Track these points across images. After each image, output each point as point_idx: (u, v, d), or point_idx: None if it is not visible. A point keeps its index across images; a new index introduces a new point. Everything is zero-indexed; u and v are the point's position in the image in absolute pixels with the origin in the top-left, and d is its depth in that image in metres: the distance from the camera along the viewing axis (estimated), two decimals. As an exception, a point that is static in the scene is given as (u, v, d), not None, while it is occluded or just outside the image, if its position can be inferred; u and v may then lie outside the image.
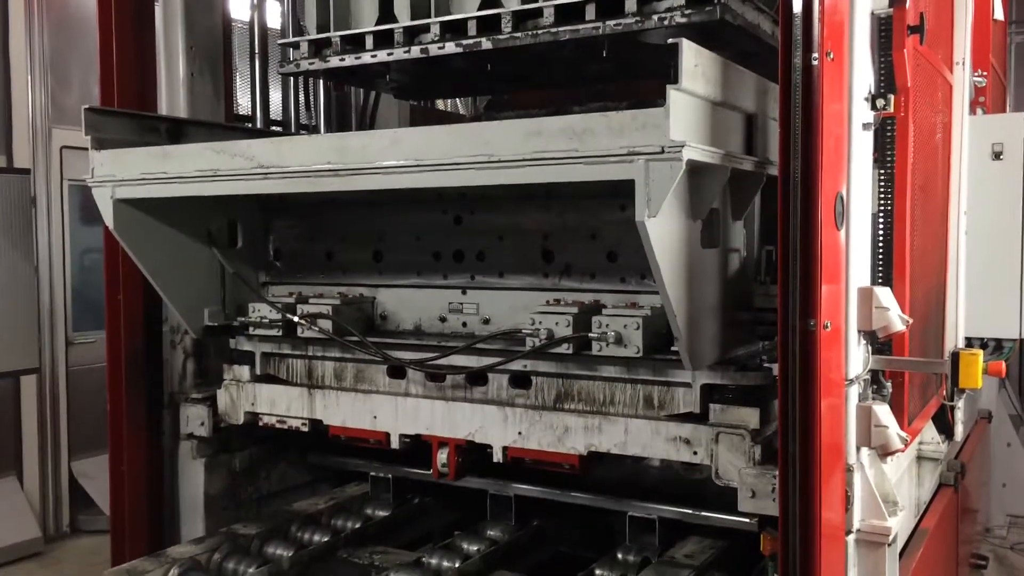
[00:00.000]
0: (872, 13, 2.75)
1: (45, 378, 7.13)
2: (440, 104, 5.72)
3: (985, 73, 4.23)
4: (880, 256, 2.95)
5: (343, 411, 3.64)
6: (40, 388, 7.13)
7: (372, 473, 4.16)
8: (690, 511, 3.46)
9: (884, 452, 2.76)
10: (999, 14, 5.02)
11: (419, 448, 3.54)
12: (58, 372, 7.24)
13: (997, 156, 3.91)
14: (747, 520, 3.10)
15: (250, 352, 3.86)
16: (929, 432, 3.68)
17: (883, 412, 2.71)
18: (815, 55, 2.37)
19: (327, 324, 3.57)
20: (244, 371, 3.86)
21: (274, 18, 4.90)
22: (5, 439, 6.94)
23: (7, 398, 6.82)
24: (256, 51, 4.71)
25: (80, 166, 3.77)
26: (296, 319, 3.61)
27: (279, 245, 4.10)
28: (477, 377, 3.38)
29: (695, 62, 2.49)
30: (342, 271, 3.93)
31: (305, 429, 3.75)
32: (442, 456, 3.42)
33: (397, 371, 3.56)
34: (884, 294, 2.69)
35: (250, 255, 4.02)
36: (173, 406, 4.03)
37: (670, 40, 2.45)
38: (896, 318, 2.67)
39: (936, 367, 3.15)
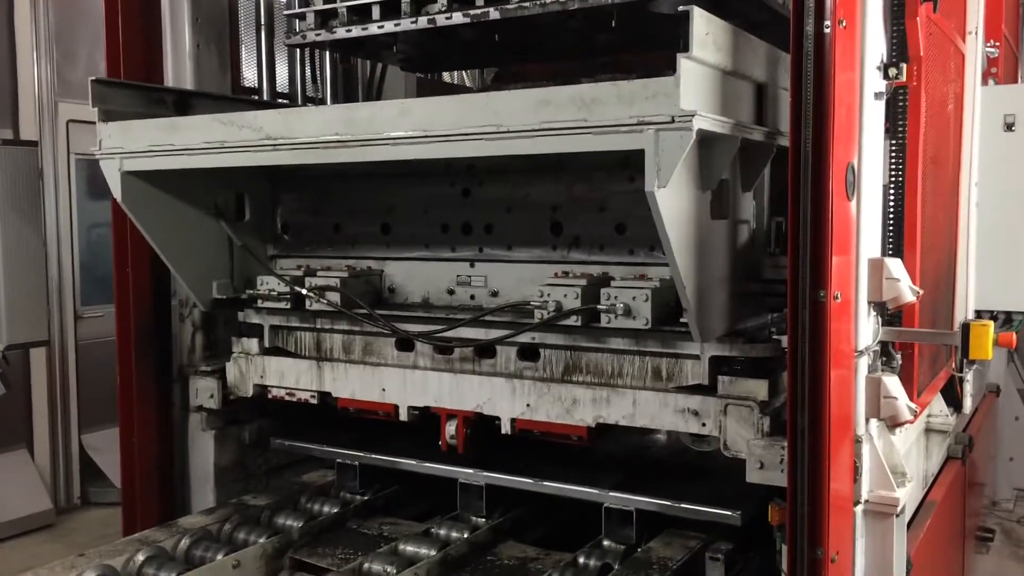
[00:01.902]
0: (885, -20, 2.72)
1: (55, 351, 7.17)
2: (447, 77, 5.68)
3: (997, 44, 4.19)
4: (891, 227, 2.93)
5: (352, 384, 3.65)
6: (50, 361, 7.18)
7: (338, 460, 3.93)
8: (669, 503, 3.23)
9: (893, 423, 2.76)
10: (1012, -16, 4.96)
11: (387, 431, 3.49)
12: (67, 345, 7.29)
13: (1009, 127, 3.88)
14: (728, 513, 3.08)
15: (259, 325, 3.87)
16: (938, 405, 3.68)
17: (893, 383, 2.71)
18: (827, 23, 2.34)
19: (335, 297, 3.57)
20: (253, 344, 3.87)
21: (280, -11, 4.86)
22: (16, 412, 6.99)
23: (17, 371, 6.86)
24: (262, 22, 4.67)
25: (86, 140, 3.77)
26: (304, 292, 3.61)
27: (287, 218, 4.09)
28: (485, 350, 3.38)
29: (706, 30, 2.47)
30: (350, 244, 3.92)
31: (314, 401, 3.77)
32: (451, 428, 3.43)
33: (405, 344, 3.56)
34: (895, 265, 2.68)
35: (258, 228, 4.01)
36: (182, 379, 4.04)
37: (681, 8, 2.43)
38: (906, 289, 2.66)
39: (946, 338, 3.14)
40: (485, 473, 3.56)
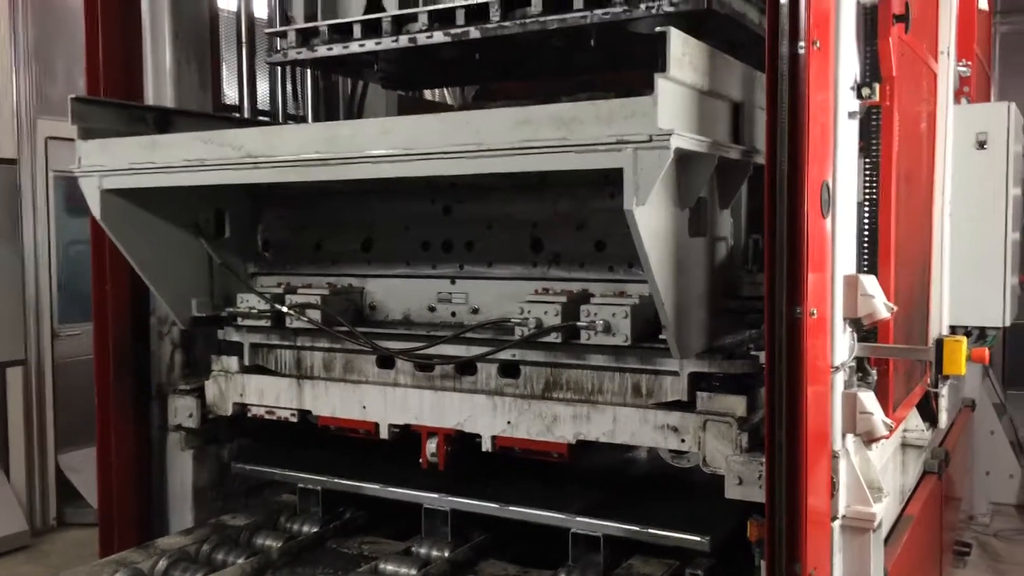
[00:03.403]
0: (858, 2, 2.76)
1: (31, 370, 7.10)
2: (428, 94, 5.71)
3: (969, 63, 4.26)
4: (866, 244, 2.97)
5: (332, 401, 3.64)
6: (26, 380, 7.09)
7: (300, 485, 3.87)
8: (637, 528, 3.20)
9: (869, 439, 2.79)
10: (983, 4, 5.05)
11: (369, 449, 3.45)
12: (44, 364, 7.21)
13: (981, 145, 3.94)
14: (697, 539, 3.07)
15: (238, 343, 3.86)
16: (914, 420, 3.72)
17: (868, 399, 2.74)
18: (801, 44, 2.38)
19: (316, 314, 3.57)
20: (232, 362, 3.85)
21: (261, 7, 4.88)
22: (-9, 431, 6.91)
23: (-7, 391, 6.79)
24: (243, 40, 4.68)
25: (65, 157, 3.75)
26: (284, 309, 3.61)
27: (268, 235, 4.09)
28: (466, 367, 3.38)
29: (683, 51, 2.50)
30: (331, 261, 3.92)
31: (294, 420, 3.75)
32: (431, 446, 3.43)
33: (386, 361, 3.56)
34: (869, 282, 2.71)
35: (238, 245, 4.01)
36: (161, 397, 4.02)
37: (658, 29, 2.46)
38: (881, 306, 2.70)
39: (920, 354, 3.18)
40: (450, 498, 3.54)
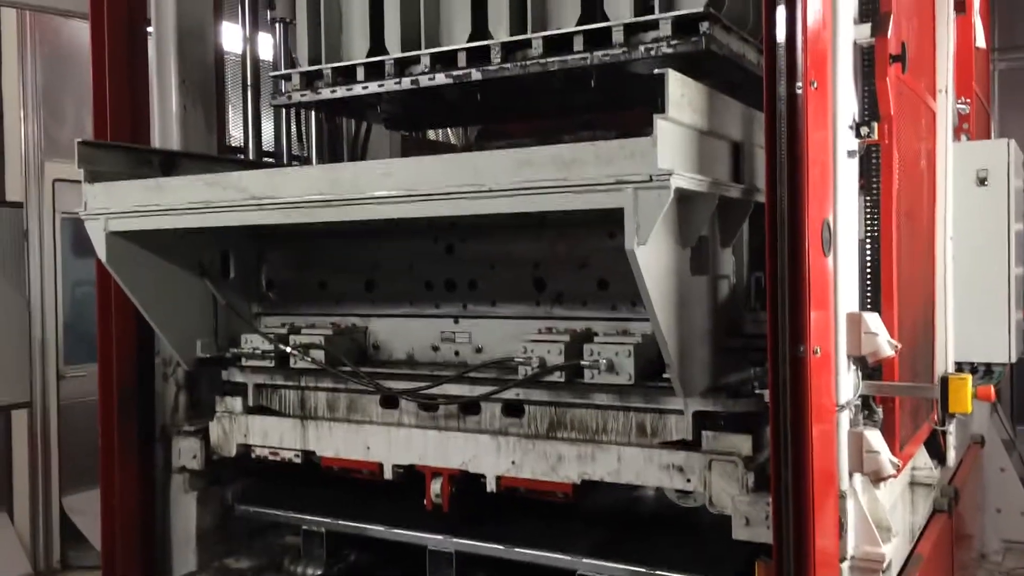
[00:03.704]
0: (855, 42, 2.79)
1: (36, 412, 7.09)
2: (431, 134, 5.76)
3: (968, 100, 4.29)
4: (868, 282, 2.97)
5: (336, 442, 3.63)
6: (31, 423, 7.09)
7: (304, 527, 3.85)
8: (644, 570, 3.17)
9: (876, 478, 2.77)
10: (981, 42, 5.09)
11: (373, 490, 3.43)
12: (49, 406, 7.21)
13: (982, 182, 3.96)
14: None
15: (242, 383, 3.85)
16: (922, 457, 3.69)
17: (874, 438, 2.72)
18: (799, 84, 2.41)
19: (319, 354, 3.57)
20: (236, 403, 3.85)
21: (266, 50, 4.94)
22: (-5, 474, 6.90)
23: (-3, 432, 6.79)
24: (248, 83, 4.73)
25: (72, 199, 3.79)
26: (288, 349, 3.61)
27: (272, 275, 4.11)
28: (470, 406, 3.37)
29: (681, 92, 2.53)
30: (335, 301, 3.93)
31: (298, 461, 3.73)
32: (435, 486, 3.41)
33: (390, 401, 3.55)
34: (873, 319, 2.71)
35: (243, 286, 4.02)
36: (165, 439, 4.01)
37: (656, 70, 2.49)
38: (885, 343, 2.69)
39: (926, 392, 3.17)
40: (455, 539, 3.50)
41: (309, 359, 3.56)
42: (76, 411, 7.21)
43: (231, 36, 4.70)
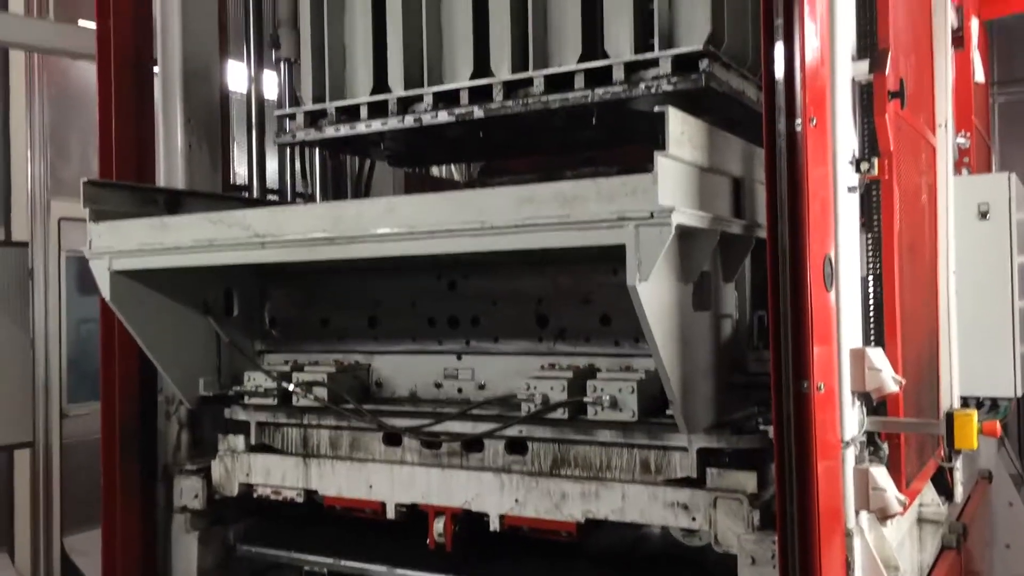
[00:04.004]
0: (853, 79, 2.81)
1: (39, 452, 7.07)
2: (435, 170, 5.80)
3: (968, 134, 4.31)
4: (871, 317, 2.96)
5: (338, 480, 3.61)
6: (33, 462, 7.07)
7: (306, 568, 3.81)
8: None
9: (883, 515, 2.73)
10: (980, 76, 5.13)
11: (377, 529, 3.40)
12: (52, 445, 7.19)
13: (983, 216, 3.96)
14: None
15: (245, 422, 3.84)
16: (929, 494, 3.65)
17: (880, 474, 2.69)
18: (798, 121, 2.42)
19: (322, 392, 3.56)
20: (239, 441, 3.83)
21: (271, 89, 5.00)
22: (-3, 513, 6.86)
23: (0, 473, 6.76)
24: (253, 121, 4.78)
25: (78, 237, 3.81)
26: (291, 387, 3.60)
27: (275, 313, 4.11)
28: (473, 444, 3.36)
29: (681, 129, 2.55)
30: (338, 338, 3.93)
31: (300, 500, 3.71)
32: (438, 525, 3.38)
33: (392, 438, 3.54)
34: (876, 355, 2.70)
35: (246, 323, 4.03)
36: (167, 478, 3.98)
37: (657, 108, 2.51)
38: (889, 379, 2.68)
39: (931, 428, 3.14)
40: None
41: (312, 397, 3.56)
42: (79, 450, 7.19)
43: (236, 75, 4.76)
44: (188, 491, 3.90)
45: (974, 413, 2.81)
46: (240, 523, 4.08)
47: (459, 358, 3.63)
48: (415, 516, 3.47)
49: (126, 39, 3.94)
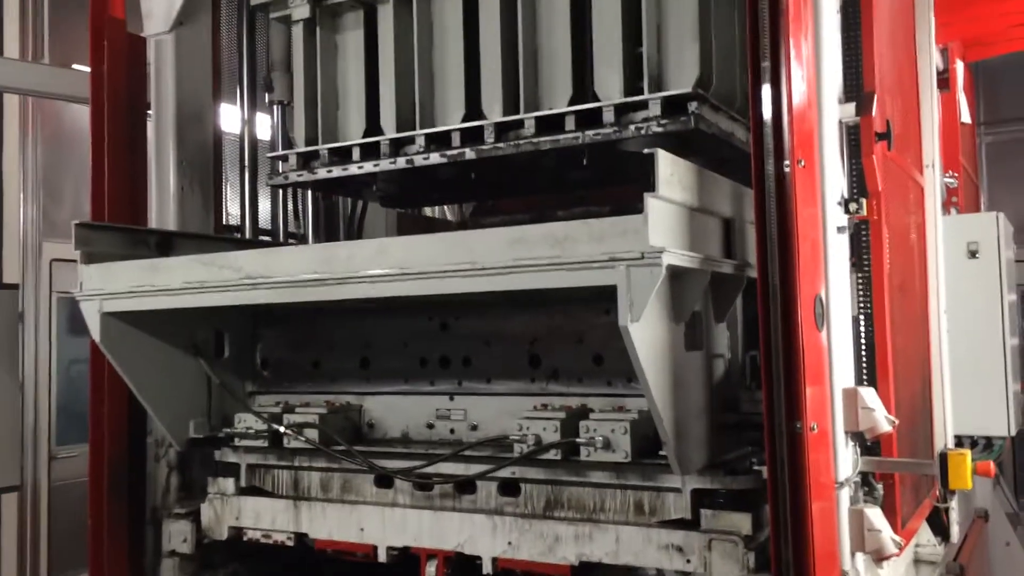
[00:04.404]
0: (840, 121, 2.84)
1: (27, 495, 6.98)
2: (427, 210, 5.82)
3: (956, 174, 4.35)
4: (863, 356, 2.97)
5: (329, 523, 3.56)
6: (21, 506, 6.98)
7: None
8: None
9: (879, 557, 2.71)
10: (966, 117, 5.19)
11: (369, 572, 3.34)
12: (40, 489, 7.11)
13: (973, 255, 3.99)
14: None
15: (235, 464, 3.80)
16: (925, 534, 3.62)
17: (875, 515, 2.68)
18: (787, 162, 2.44)
19: (313, 434, 3.53)
20: (229, 484, 3.79)
21: (264, 131, 5.02)
22: (-18, 558, 6.75)
23: (-14, 515, 6.67)
24: (246, 163, 4.80)
25: (69, 278, 3.80)
26: (282, 429, 3.57)
27: (266, 354, 4.09)
28: (465, 485, 3.32)
29: (671, 171, 2.56)
30: (329, 379, 3.91)
31: (291, 543, 3.66)
32: (430, 569, 3.34)
33: (384, 480, 3.50)
34: (869, 395, 2.70)
35: (237, 365, 4.00)
36: (156, 522, 3.93)
37: (646, 150, 2.53)
38: (882, 419, 2.67)
39: (925, 468, 3.13)
40: None
41: (303, 438, 3.53)
42: (67, 492, 7.11)
43: (230, 117, 4.78)
44: (177, 535, 3.85)
45: (968, 453, 2.80)
46: (229, 567, 4.03)
47: (451, 399, 3.61)
48: (407, 559, 3.43)
49: (120, 83, 3.97)
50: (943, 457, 2.81)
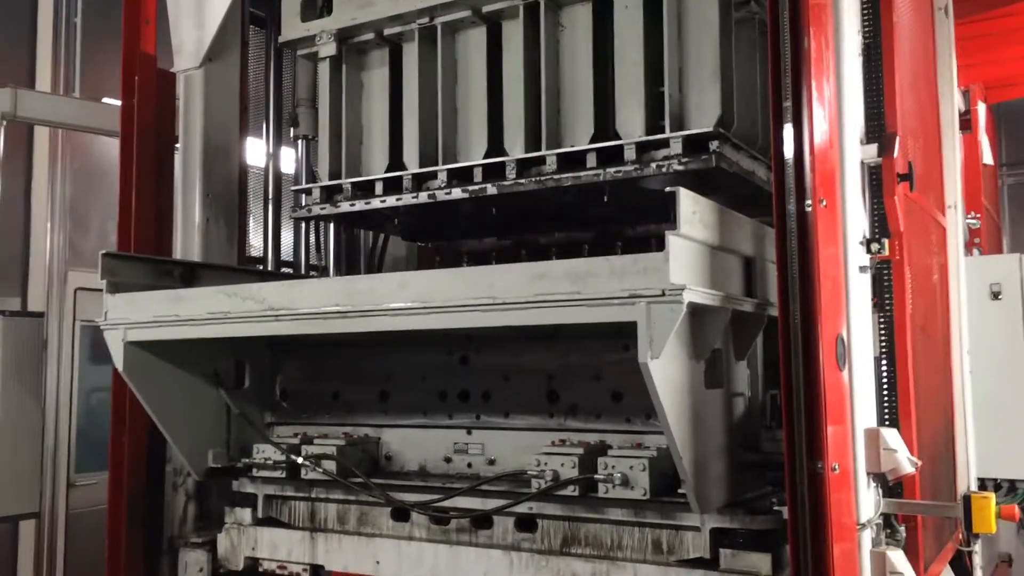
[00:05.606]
0: (862, 162, 2.85)
1: (44, 523, 7.00)
2: (448, 245, 5.84)
3: (978, 215, 4.34)
4: (885, 397, 2.94)
5: (345, 556, 3.56)
6: (38, 533, 6.99)
7: None
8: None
9: (902, 600, 2.68)
10: (988, 158, 5.19)
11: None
12: (58, 516, 7.13)
13: (995, 296, 3.97)
14: None
15: (253, 494, 3.81)
16: (948, 578, 3.57)
17: (898, 558, 2.64)
18: (808, 202, 2.45)
19: (331, 465, 3.54)
20: (246, 514, 3.79)
21: (288, 164, 5.09)
22: (-1, 586, 6.76)
23: (4, 544, 6.68)
24: (270, 196, 4.86)
25: (93, 306, 3.85)
26: (300, 460, 3.58)
27: (286, 385, 4.11)
28: (482, 520, 3.31)
29: (693, 209, 2.58)
30: (348, 411, 3.92)
31: (306, 575, 3.65)
32: (446, 604, 3.32)
33: (401, 514, 3.50)
34: (891, 435, 2.68)
35: (257, 395, 4.03)
36: (172, 551, 3.94)
37: (668, 188, 2.54)
38: (905, 460, 2.65)
39: (949, 511, 3.09)
40: None
41: (320, 470, 3.53)
42: (85, 520, 7.11)
43: (255, 151, 4.86)
44: (193, 565, 3.85)
45: (992, 496, 2.76)
46: (245, 599, 4.01)
47: (469, 432, 3.61)
48: (423, 594, 3.41)
49: (150, 117, 4.05)
50: (967, 500, 2.77)
